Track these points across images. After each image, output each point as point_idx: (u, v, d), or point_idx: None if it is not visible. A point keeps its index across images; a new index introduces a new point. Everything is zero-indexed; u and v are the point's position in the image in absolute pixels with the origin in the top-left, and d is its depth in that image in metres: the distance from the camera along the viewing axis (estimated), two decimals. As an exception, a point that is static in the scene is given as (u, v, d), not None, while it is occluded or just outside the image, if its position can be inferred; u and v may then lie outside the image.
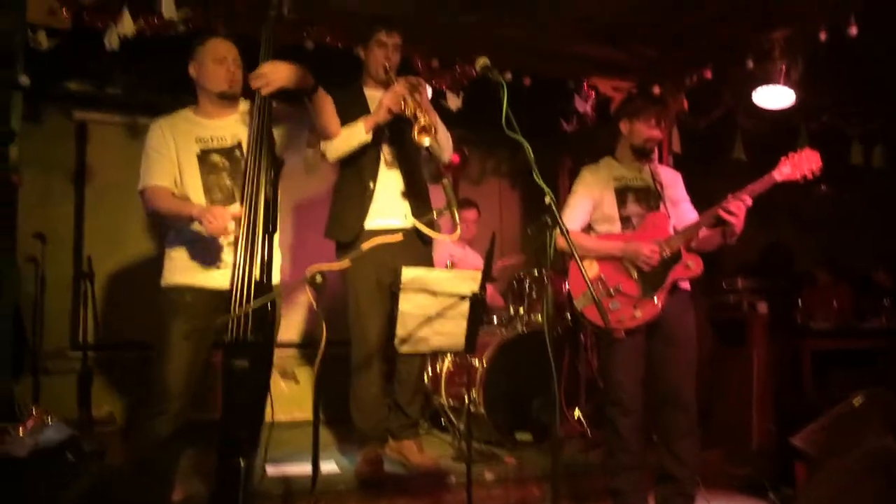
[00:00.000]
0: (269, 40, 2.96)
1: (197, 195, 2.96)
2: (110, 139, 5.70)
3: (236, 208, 2.76)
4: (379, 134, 3.67)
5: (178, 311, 2.91)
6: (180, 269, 2.97)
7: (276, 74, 2.82)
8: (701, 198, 3.63)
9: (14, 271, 3.81)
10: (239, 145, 3.03)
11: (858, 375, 5.01)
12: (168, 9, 3.93)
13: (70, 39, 3.96)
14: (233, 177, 2.99)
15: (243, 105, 3.12)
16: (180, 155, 2.99)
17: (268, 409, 2.70)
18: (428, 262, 3.86)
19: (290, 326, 6.05)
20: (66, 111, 5.64)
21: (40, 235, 4.99)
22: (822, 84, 5.27)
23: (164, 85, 5.39)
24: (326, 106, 3.13)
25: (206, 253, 2.93)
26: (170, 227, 3.05)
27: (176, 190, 2.98)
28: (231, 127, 3.06)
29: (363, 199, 3.74)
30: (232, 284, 2.69)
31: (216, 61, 3.01)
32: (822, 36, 4.33)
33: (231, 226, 2.72)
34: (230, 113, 3.09)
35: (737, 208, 3.20)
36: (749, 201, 3.21)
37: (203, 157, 2.99)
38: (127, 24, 3.94)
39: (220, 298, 2.83)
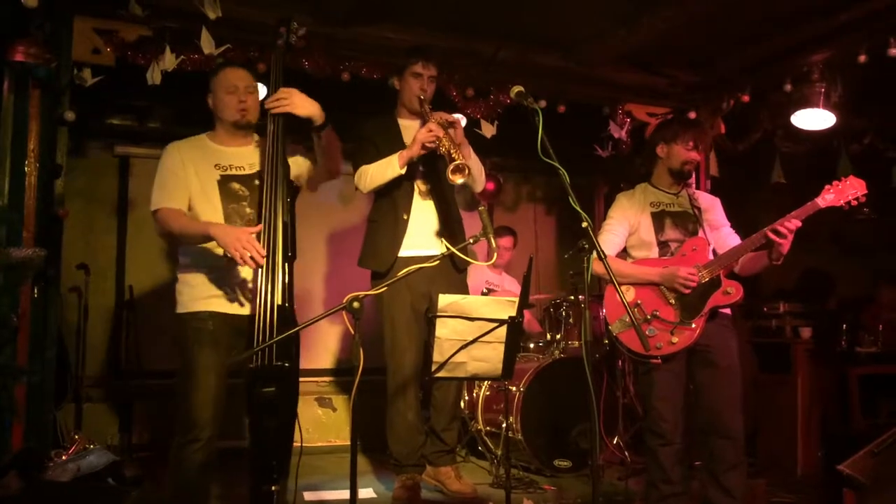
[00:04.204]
0: (279, 68, 3.00)
1: (217, 221, 2.92)
2: (151, 172, 5.74)
3: (254, 228, 2.76)
4: (413, 166, 3.69)
5: (203, 340, 2.86)
6: (200, 296, 2.91)
7: (293, 98, 2.85)
8: (740, 222, 3.58)
9: (58, 300, 3.88)
10: (258, 174, 3.01)
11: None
12: (207, 44, 4.02)
13: (113, 76, 4.07)
14: (252, 206, 2.97)
15: (257, 138, 3.13)
16: (199, 180, 2.96)
17: (297, 435, 2.70)
18: (463, 289, 3.86)
19: (326, 354, 6.09)
20: (109, 146, 5.79)
21: (84, 266, 5.12)
22: (863, 106, 5.20)
23: (202, 119, 5.52)
24: (333, 144, 3.08)
25: (227, 279, 2.90)
26: (181, 253, 3.01)
27: (189, 214, 2.95)
28: (248, 156, 3.06)
29: (397, 229, 3.76)
30: (254, 311, 2.70)
31: (228, 91, 3.02)
32: (862, 58, 4.28)
33: (262, 251, 2.68)
34: (246, 143, 3.10)
35: (786, 230, 3.13)
36: (799, 223, 3.15)
37: (223, 184, 2.97)
38: (168, 60, 4.03)
39: (242, 323, 2.85)
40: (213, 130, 3.12)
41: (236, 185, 2.98)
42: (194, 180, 2.96)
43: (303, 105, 2.87)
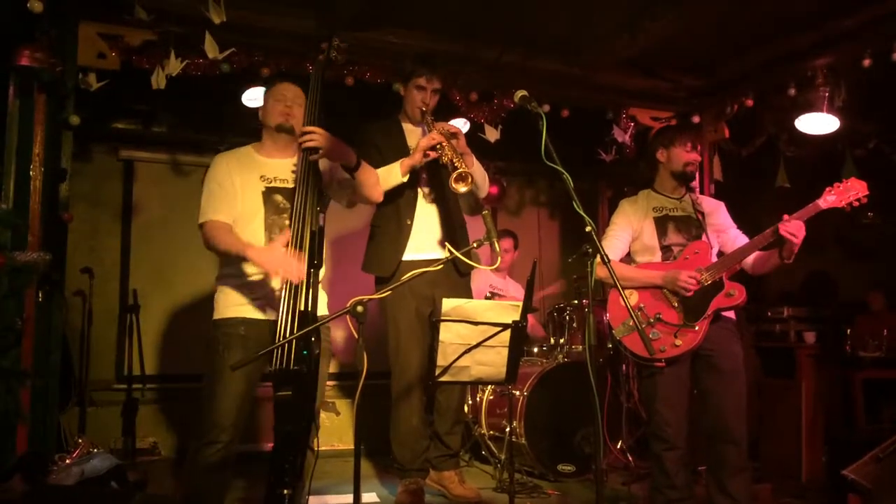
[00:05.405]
0: (318, 84, 3.05)
1: (257, 232, 2.99)
2: (155, 176, 5.85)
3: (283, 237, 2.81)
4: (416, 171, 3.70)
5: (232, 344, 2.91)
6: (233, 304, 2.98)
7: (326, 143, 2.90)
8: (744, 225, 3.58)
9: (63, 304, 3.88)
10: None
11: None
12: (211, 49, 4.03)
13: (117, 80, 4.08)
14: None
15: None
16: (244, 190, 3.02)
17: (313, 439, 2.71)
18: (466, 293, 3.86)
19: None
20: (113, 150, 5.80)
21: (88, 270, 5.13)
22: (868, 110, 5.19)
23: (206, 124, 5.55)
24: (369, 178, 3.20)
25: (259, 287, 2.97)
26: (222, 263, 3.07)
27: (235, 225, 3.00)
28: (292, 169, 3.11)
29: (400, 235, 3.77)
30: (279, 316, 2.73)
31: (276, 100, 3.10)
32: (866, 62, 4.28)
33: (302, 269, 2.74)
34: (290, 155, 3.14)
35: (796, 228, 3.14)
36: (801, 223, 3.15)
37: (267, 195, 3.03)
38: (173, 65, 4.05)
39: (273, 329, 2.87)
40: (260, 142, 3.18)
41: (279, 198, 3.05)
42: (239, 191, 3.02)
43: (333, 152, 2.96)
